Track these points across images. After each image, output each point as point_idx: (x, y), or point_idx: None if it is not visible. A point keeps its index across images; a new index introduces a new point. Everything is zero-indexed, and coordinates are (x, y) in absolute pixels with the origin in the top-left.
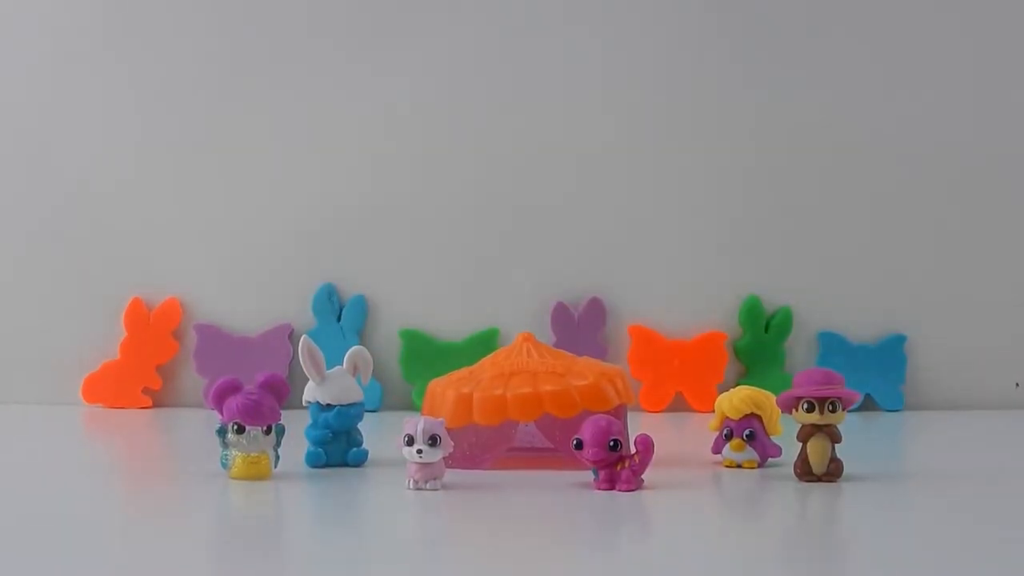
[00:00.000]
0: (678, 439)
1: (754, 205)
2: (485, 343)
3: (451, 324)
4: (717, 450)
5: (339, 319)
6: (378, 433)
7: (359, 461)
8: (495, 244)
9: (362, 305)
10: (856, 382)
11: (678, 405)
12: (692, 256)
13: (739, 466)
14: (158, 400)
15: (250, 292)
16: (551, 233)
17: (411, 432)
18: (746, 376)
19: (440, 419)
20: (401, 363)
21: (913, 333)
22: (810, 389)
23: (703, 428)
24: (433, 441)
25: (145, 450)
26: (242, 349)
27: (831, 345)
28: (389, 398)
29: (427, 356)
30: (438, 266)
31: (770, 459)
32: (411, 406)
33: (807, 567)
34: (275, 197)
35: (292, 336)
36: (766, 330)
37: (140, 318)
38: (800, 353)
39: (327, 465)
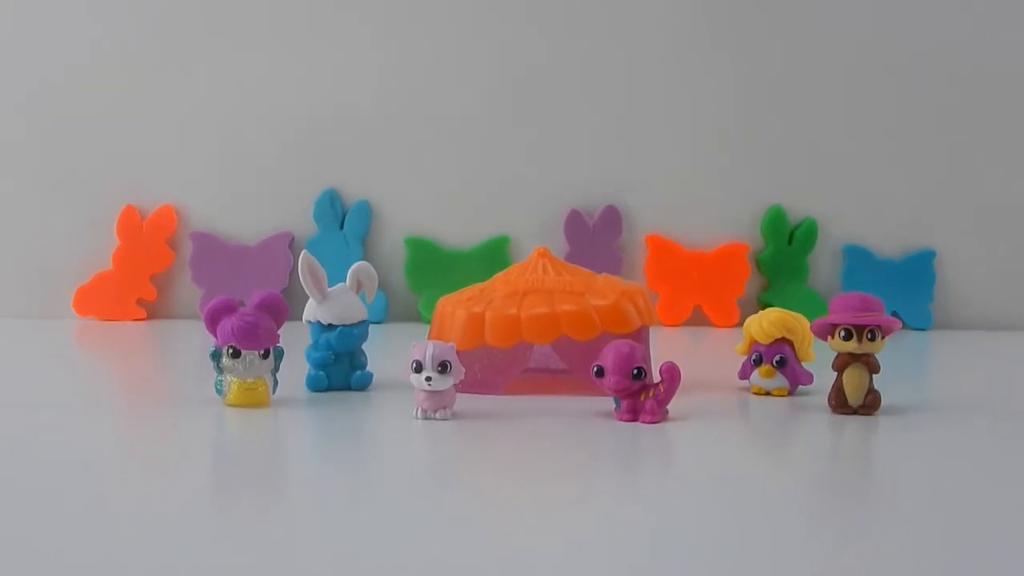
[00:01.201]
0: (698, 358)
1: (779, 110)
2: (495, 251)
3: (459, 231)
4: (744, 375)
5: (342, 226)
6: (383, 348)
7: (363, 384)
8: (506, 147)
9: (366, 211)
10: (882, 299)
11: (696, 319)
12: (713, 163)
13: (768, 393)
14: (153, 311)
15: (248, 198)
16: (565, 136)
17: (419, 358)
18: (768, 290)
19: (451, 344)
20: (407, 272)
21: (943, 248)
22: (848, 316)
23: (724, 345)
24: (443, 368)
25: (137, 370)
26: (240, 258)
27: (857, 259)
28: (394, 309)
29: (434, 265)
30: (446, 170)
31: (800, 386)
32: (417, 317)
33: (842, 506)
34: (273, 96)
35: (292, 244)
36: (789, 242)
37: (133, 226)
38: (824, 267)
39: (329, 389)
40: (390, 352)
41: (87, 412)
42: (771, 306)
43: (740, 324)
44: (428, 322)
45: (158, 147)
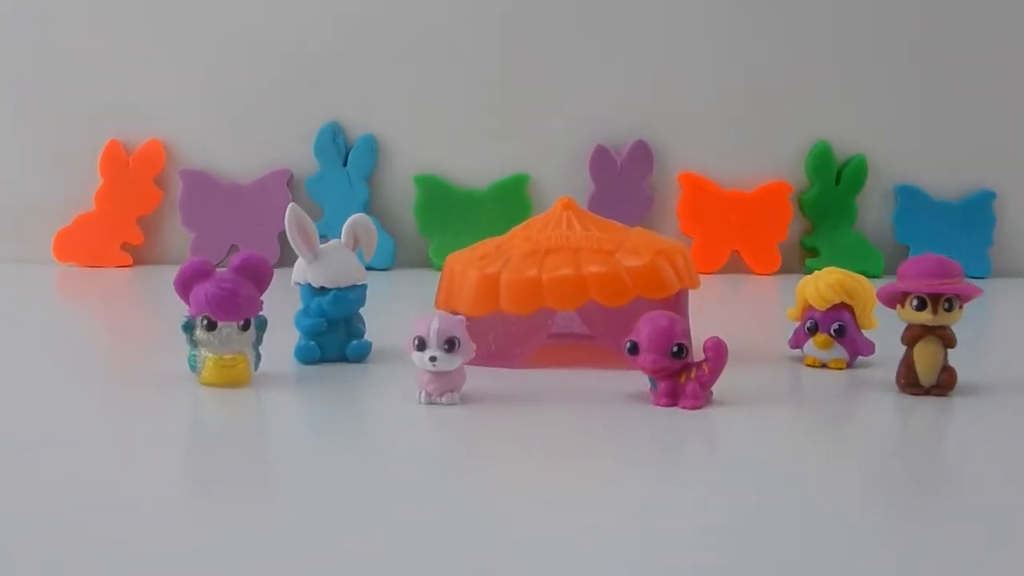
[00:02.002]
0: (739, 314)
1: (826, 37)
2: (513, 191)
3: (474, 169)
4: (797, 345)
5: (345, 163)
6: (389, 301)
7: (361, 355)
8: (526, 76)
9: (371, 146)
10: (937, 244)
11: (734, 266)
12: (753, 94)
13: (824, 366)
14: (139, 257)
15: (243, 132)
16: (591, 64)
17: (422, 334)
18: (812, 234)
19: (459, 317)
20: (416, 214)
21: (1004, 189)
22: (922, 282)
23: (765, 295)
24: (450, 346)
25: (116, 328)
26: (234, 198)
27: (910, 200)
28: (403, 255)
29: (446, 206)
30: (460, 102)
31: (859, 357)
32: (427, 264)
33: (912, 503)
34: (269, 19)
35: (291, 183)
36: (837, 181)
37: (118, 163)
38: (874, 209)
39: (321, 361)
40: (396, 303)
41: (49, 387)
42: (815, 251)
43: (781, 272)
44: (439, 269)
45: (144, 76)
